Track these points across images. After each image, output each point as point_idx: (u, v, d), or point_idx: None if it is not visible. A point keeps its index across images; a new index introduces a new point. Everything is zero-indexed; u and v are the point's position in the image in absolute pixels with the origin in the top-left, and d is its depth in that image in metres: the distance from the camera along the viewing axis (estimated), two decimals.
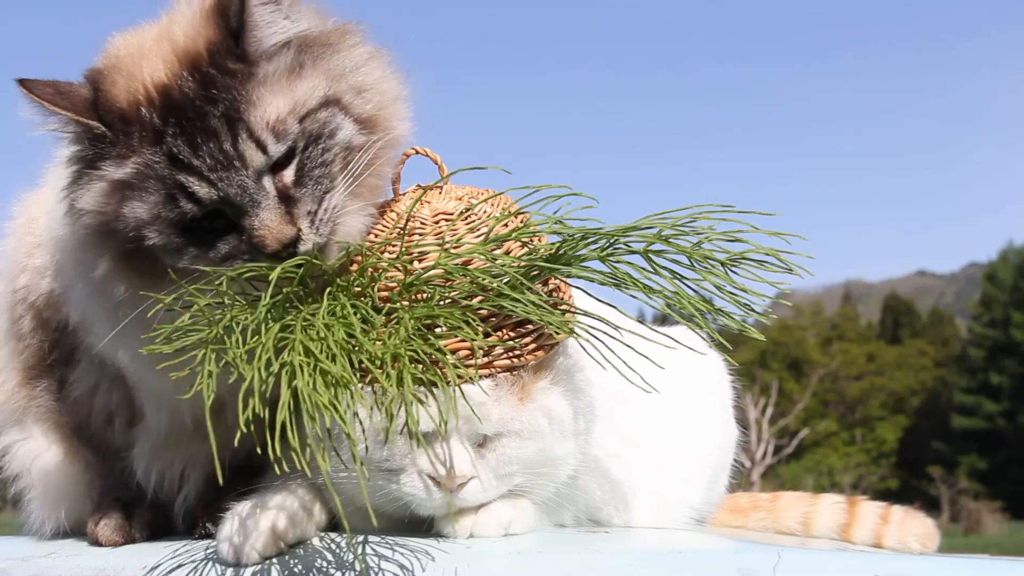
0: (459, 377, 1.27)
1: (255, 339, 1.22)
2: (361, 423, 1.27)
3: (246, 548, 1.31)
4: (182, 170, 1.35)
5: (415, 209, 1.42)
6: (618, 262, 1.32)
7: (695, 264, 1.31)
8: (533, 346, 1.37)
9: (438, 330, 1.29)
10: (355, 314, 1.29)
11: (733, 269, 1.31)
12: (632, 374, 1.30)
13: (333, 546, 1.34)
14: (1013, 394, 42.57)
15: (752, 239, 1.31)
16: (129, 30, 1.51)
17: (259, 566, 1.31)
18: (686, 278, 1.31)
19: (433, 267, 1.34)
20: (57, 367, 1.69)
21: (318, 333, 1.23)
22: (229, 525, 1.35)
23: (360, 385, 1.22)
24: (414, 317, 1.29)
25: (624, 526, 1.61)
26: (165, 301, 1.30)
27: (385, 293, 1.35)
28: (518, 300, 1.29)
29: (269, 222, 1.35)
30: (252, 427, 1.15)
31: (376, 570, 1.25)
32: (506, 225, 1.40)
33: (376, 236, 1.43)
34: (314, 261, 1.35)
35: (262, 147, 1.36)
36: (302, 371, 1.17)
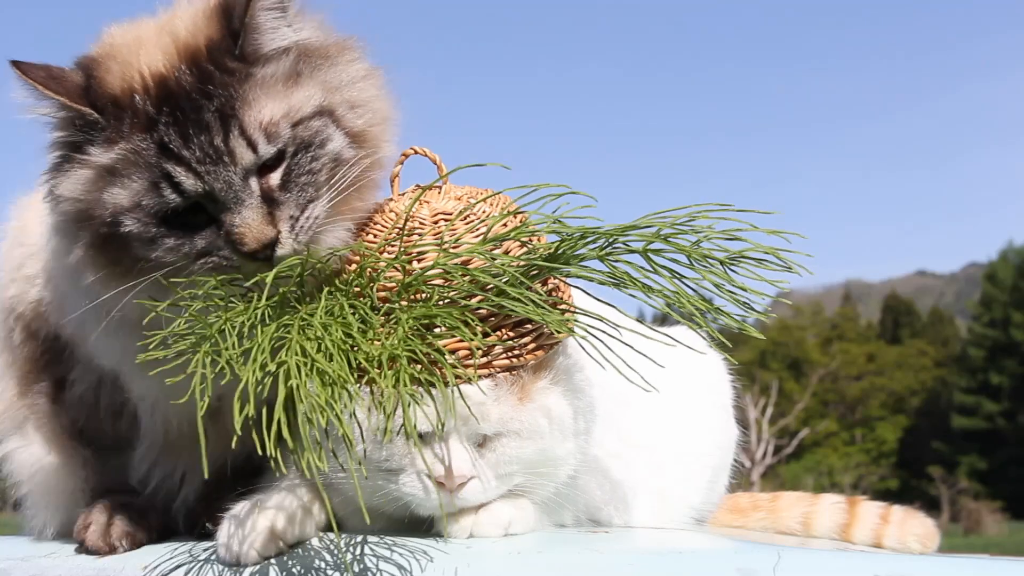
0: (458, 377, 1.27)
1: (250, 341, 1.21)
2: (359, 424, 1.27)
3: (245, 548, 1.31)
4: (171, 159, 1.35)
5: (414, 209, 1.41)
6: (617, 261, 1.32)
7: (694, 263, 1.31)
8: (532, 346, 1.37)
9: (437, 330, 1.29)
10: (353, 314, 1.29)
11: (732, 268, 1.31)
12: (632, 374, 1.30)
13: (332, 546, 1.34)
14: (1013, 394, 42.57)
15: (751, 238, 1.31)
16: (125, 23, 1.52)
17: (258, 566, 1.31)
18: (685, 277, 1.31)
19: (432, 267, 1.33)
20: (52, 367, 1.69)
21: (315, 333, 1.23)
22: (228, 525, 1.35)
23: (358, 386, 1.22)
24: (412, 317, 1.28)
25: (624, 526, 1.61)
26: (159, 309, 1.29)
27: (384, 293, 1.35)
28: (517, 300, 1.29)
29: (250, 220, 1.35)
30: (251, 428, 1.14)
31: (375, 570, 1.25)
32: (505, 225, 1.40)
33: (375, 236, 1.43)
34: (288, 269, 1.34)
35: (252, 146, 1.36)
36: (299, 371, 1.17)
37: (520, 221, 1.41)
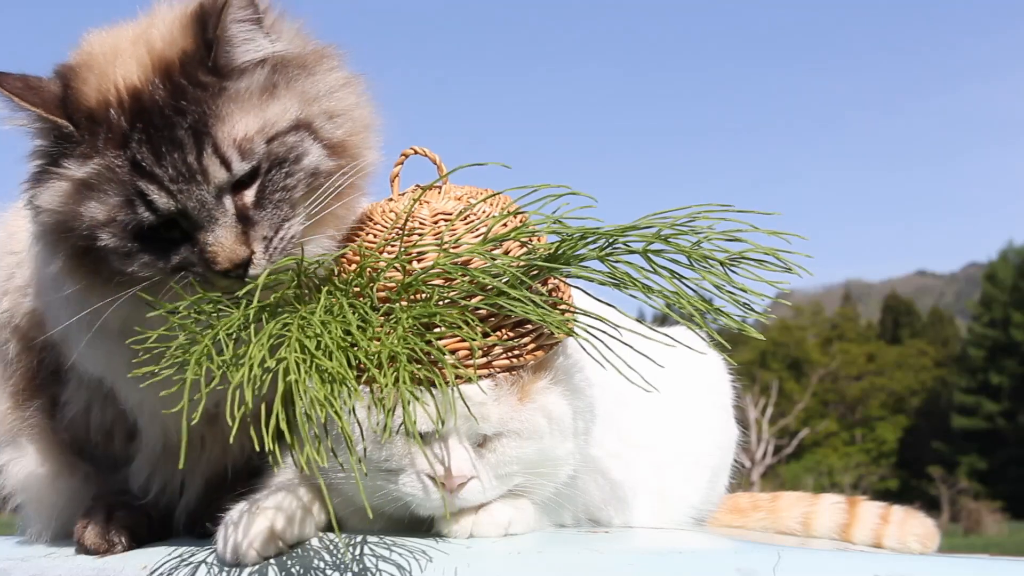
0: (458, 377, 1.27)
1: (245, 348, 1.20)
2: (359, 423, 1.27)
3: (244, 548, 1.31)
4: (143, 177, 1.34)
5: (414, 209, 1.41)
6: (617, 262, 1.32)
7: (694, 264, 1.31)
8: (532, 346, 1.37)
9: (437, 330, 1.29)
10: (353, 313, 1.28)
11: (732, 269, 1.31)
12: (632, 374, 1.30)
13: (332, 546, 1.34)
14: (1013, 394, 42.56)
15: (751, 238, 1.31)
16: (105, 28, 1.50)
17: (257, 566, 1.31)
18: (685, 277, 1.31)
19: (432, 267, 1.33)
20: (48, 386, 1.69)
21: (315, 331, 1.23)
22: (228, 525, 1.35)
23: (357, 384, 1.22)
24: (412, 316, 1.28)
25: (624, 526, 1.61)
26: (156, 333, 1.28)
27: (384, 293, 1.35)
28: (517, 300, 1.29)
29: (224, 240, 1.35)
30: (251, 429, 1.14)
31: (375, 570, 1.25)
32: (505, 225, 1.40)
33: (375, 236, 1.43)
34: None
35: (226, 164, 1.35)
36: (298, 368, 1.17)
37: (520, 221, 1.41)
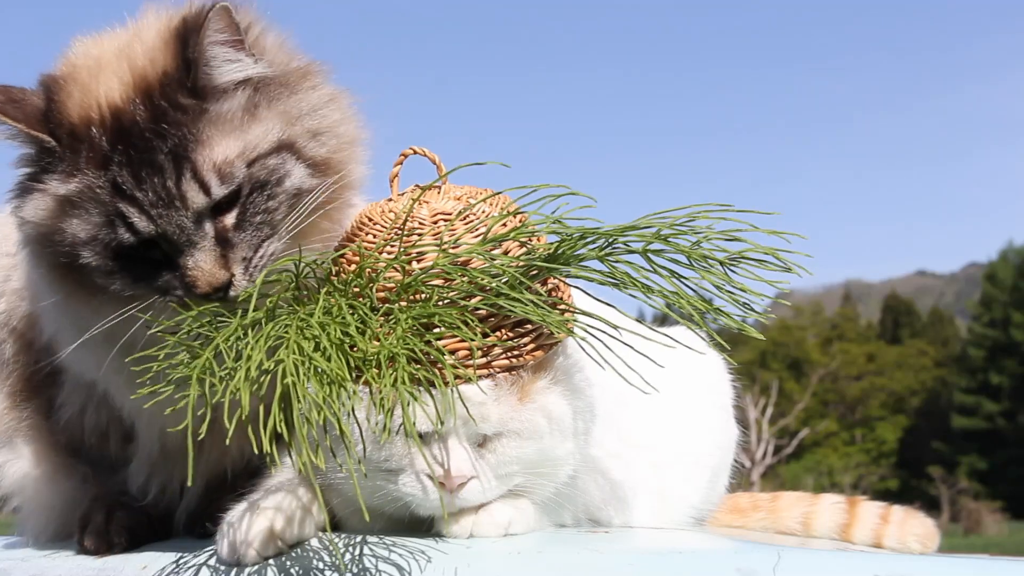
0: (458, 377, 1.27)
1: (245, 353, 1.20)
2: (359, 424, 1.27)
3: (244, 548, 1.31)
4: (124, 199, 1.34)
5: (413, 209, 1.41)
6: (617, 262, 1.32)
7: (694, 263, 1.31)
8: (532, 346, 1.37)
9: (436, 330, 1.29)
10: (352, 314, 1.28)
11: (732, 268, 1.31)
12: (631, 374, 1.30)
13: (331, 546, 1.34)
14: (1013, 394, 42.57)
15: (751, 238, 1.31)
16: (92, 36, 1.49)
17: (257, 566, 1.31)
18: (685, 277, 1.31)
19: (431, 267, 1.33)
20: (45, 388, 1.69)
21: (313, 333, 1.23)
22: (227, 526, 1.35)
23: (356, 386, 1.22)
24: (411, 317, 1.28)
25: (624, 526, 1.61)
26: (155, 350, 1.26)
27: (383, 294, 1.35)
28: (517, 300, 1.28)
29: (203, 264, 1.35)
30: (250, 432, 1.14)
31: (375, 571, 1.25)
32: (504, 225, 1.40)
33: (374, 236, 1.42)
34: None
35: (205, 188, 1.35)
36: (296, 370, 1.16)
37: (520, 221, 1.40)
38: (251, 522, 1.33)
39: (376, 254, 1.37)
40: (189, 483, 1.22)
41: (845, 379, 44.82)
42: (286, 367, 1.16)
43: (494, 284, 1.30)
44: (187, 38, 1.39)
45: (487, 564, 1.26)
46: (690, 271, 1.31)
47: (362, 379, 1.24)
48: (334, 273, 1.39)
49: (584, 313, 1.34)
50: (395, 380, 1.20)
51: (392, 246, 1.38)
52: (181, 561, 1.40)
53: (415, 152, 1.52)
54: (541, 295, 1.33)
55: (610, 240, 1.32)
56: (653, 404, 1.44)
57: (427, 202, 1.43)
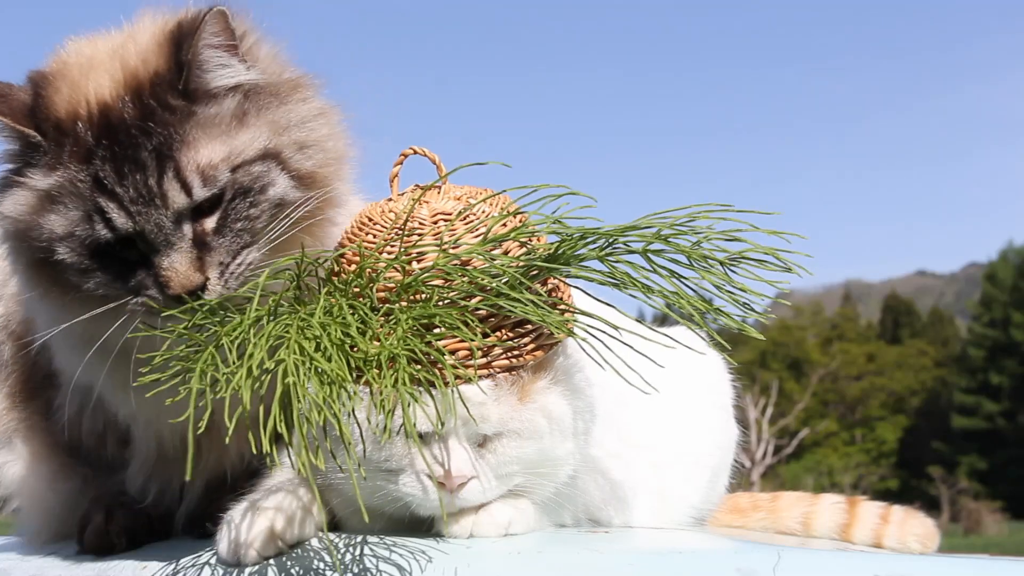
0: (458, 377, 1.27)
1: (243, 359, 1.19)
2: (359, 424, 1.27)
3: (244, 548, 1.31)
4: (104, 194, 1.34)
5: (414, 209, 1.41)
6: (617, 262, 1.32)
7: (694, 263, 1.31)
8: (532, 346, 1.37)
9: (436, 330, 1.29)
10: (352, 314, 1.28)
11: (732, 268, 1.31)
12: (631, 374, 1.30)
13: (331, 547, 1.34)
14: (1013, 394, 42.58)
15: (751, 238, 1.31)
16: (85, 37, 1.50)
17: (257, 566, 1.31)
18: (685, 277, 1.31)
19: (432, 267, 1.33)
20: (43, 390, 1.69)
21: (314, 333, 1.23)
22: (228, 526, 1.34)
23: (357, 386, 1.22)
24: (411, 317, 1.28)
25: (624, 526, 1.61)
26: (157, 362, 1.25)
27: (383, 294, 1.35)
28: (517, 300, 1.28)
29: (178, 265, 1.34)
30: (249, 433, 1.14)
31: (375, 571, 1.25)
32: (505, 225, 1.40)
33: (375, 236, 1.42)
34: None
35: (186, 189, 1.34)
36: (297, 370, 1.16)
37: (520, 221, 1.40)
38: (252, 522, 1.33)
39: (376, 254, 1.37)
40: (187, 477, 1.21)
41: (845, 379, 44.83)
42: (287, 367, 1.16)
43: (494, 284, 1.30)
44: (182, 40, 1.39)
45: (487, 564, 1.26)
46: (690, 271, 1.31)
47: (363, 379, 1.24)
48: (335, 273, 1.39)
49: (584, 313, 1.34)
50: (396, 380, 1.20)
51: (392, 246, 1.38)
52: (181, 561, 1.40)
53: (415, 152, 1.52)
54: (541, 295, 1.33)
55: (610, 240, 1.32)
56: (653, 404, 1.44)
57: (427, 202, 1.43)
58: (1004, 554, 1.53)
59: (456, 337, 1.29)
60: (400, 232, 1.38)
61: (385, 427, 1.20)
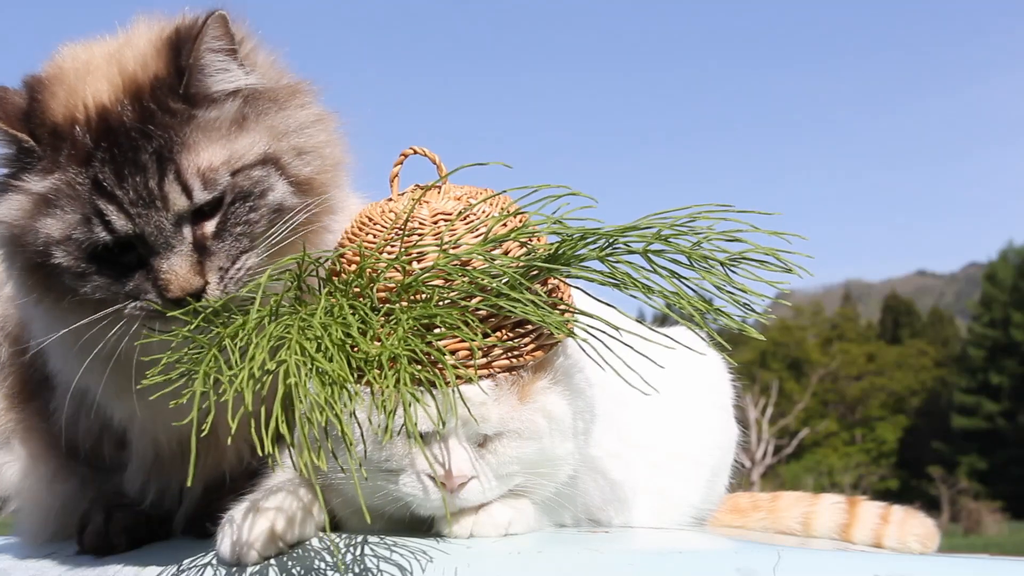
0: (458, 378, 1.27)
1: (245, 359, 1.19)
2: (360, 424, 1.27)
3: (245, 549, 1.31)
4: (103, 197, 1.33)
5: (414, 209, 1.41)
6: (617, 262, 1.32)
7: (694, 264, 1.31)
8: (532, 346, 1.37)
9: (437, 330, 1.29)
10: (353, 314, 1.28)
11: (732, 269, 1.31)
12: (631, 374, 1.30)
13: (332, 547, 1.34)
14: (1013, 394, 42.58)
15: (751, 239, 1.31)
16: (80, 42, 1.49)
17: (258, 566, 1.31)
18: (685, 278, 1.31)
19: (432, 267, 1.33)
20: (41, 391, 1.69)
21: (315, 333, 1.23)
22: (228, 526, 1.35)
23: (358, 386, 1.22)
24: (412, 317, 1.28)
25: (624, 526, 1.61)
26: (161, 366, 1.24)
27: (384, 294, 1.35)
28: (517, 300, 1.28)
29: (178, 268, 1.34)
30: (249, 433, 1.14)
31: (375, 571, 1.25)
32: (505, 225, 1.40)
33: (375, 236, 1.42)
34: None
35: (187, 191, 1.34)
36: (299, 370, 1.16)
37: (520, 221, 1.40)
38: (253, 522, 1.33)
39: (377, 254, 1.37)
40: (189, 483, 1.21)
41: (845, 379, 44.82)
42: (288, 367, 1.16)
43: (494, 284, 1.30)
44: (181, 44, 1.39)
45: (487, 564, 1.26)
46: (690, 271, 1.31)
47: (364, 379, 1.24)
48: (335, 273, 1.40)
49: (584, 313, 1.34)
50: (396, 381, 1.20)
51: (392, 246, 1.38)
52: (181, 561, 1.40)
53: (415, 152, 1.52)
54: (541, 295, 1.33)
55: (611, 240, 1.32)
56: (653, 404, 1.44)
57: (427, 202, 1.43)
58: (1004, 554, 1.53)
59: (456, 337, 1.29)
60: (400, 232, 1.38)
61: (386, 427, 1.20)
